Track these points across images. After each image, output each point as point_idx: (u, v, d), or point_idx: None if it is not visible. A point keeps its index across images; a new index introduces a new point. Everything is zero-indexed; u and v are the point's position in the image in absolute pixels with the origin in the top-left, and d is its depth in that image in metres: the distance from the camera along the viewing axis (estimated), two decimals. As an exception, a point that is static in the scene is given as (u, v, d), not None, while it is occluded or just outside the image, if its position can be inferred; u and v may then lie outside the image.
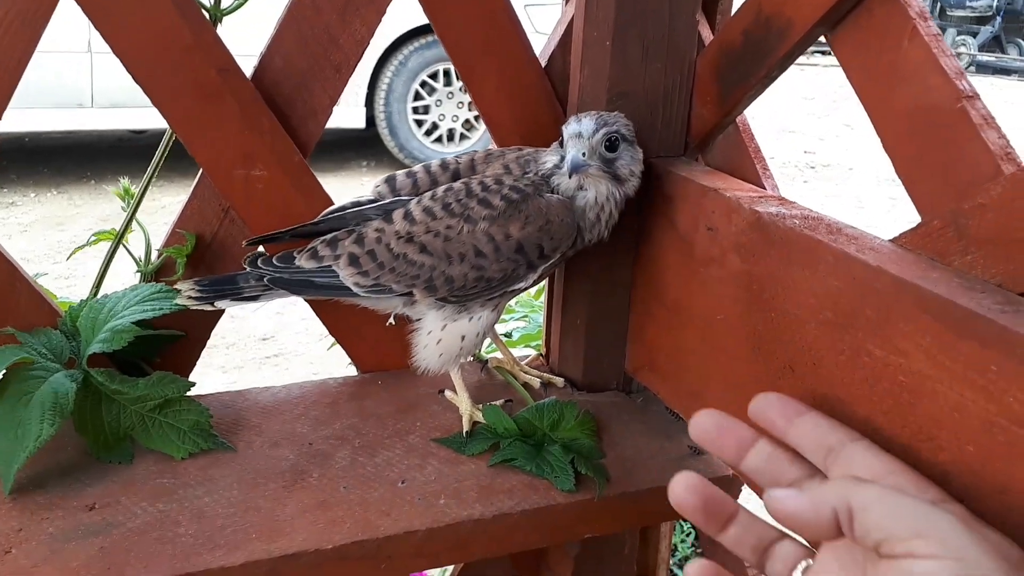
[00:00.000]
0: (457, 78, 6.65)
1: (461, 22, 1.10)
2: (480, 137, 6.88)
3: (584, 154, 0.99)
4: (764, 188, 1.07)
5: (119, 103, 5.63)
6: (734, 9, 1.21)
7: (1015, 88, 12.59)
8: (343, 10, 1.05)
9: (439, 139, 6.81)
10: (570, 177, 1.00)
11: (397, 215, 1.03)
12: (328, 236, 1.06)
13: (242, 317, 4.31)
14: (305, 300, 1.14)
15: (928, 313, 0.72)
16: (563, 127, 1.02)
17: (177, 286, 1.06)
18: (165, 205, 5.48)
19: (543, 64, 1.18)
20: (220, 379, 3.75)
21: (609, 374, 1.25)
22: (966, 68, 13.74)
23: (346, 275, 1.04)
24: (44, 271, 4.27)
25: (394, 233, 1.02)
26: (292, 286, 1.05)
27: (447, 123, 6.79)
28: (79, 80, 5.63)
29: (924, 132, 0.83)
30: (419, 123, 6.71)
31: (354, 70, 1.11)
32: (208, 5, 1.02)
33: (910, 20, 0.83)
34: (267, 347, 4.20)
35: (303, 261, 1.05)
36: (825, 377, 0.85)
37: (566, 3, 1.22)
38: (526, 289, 1.07)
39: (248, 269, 1.06)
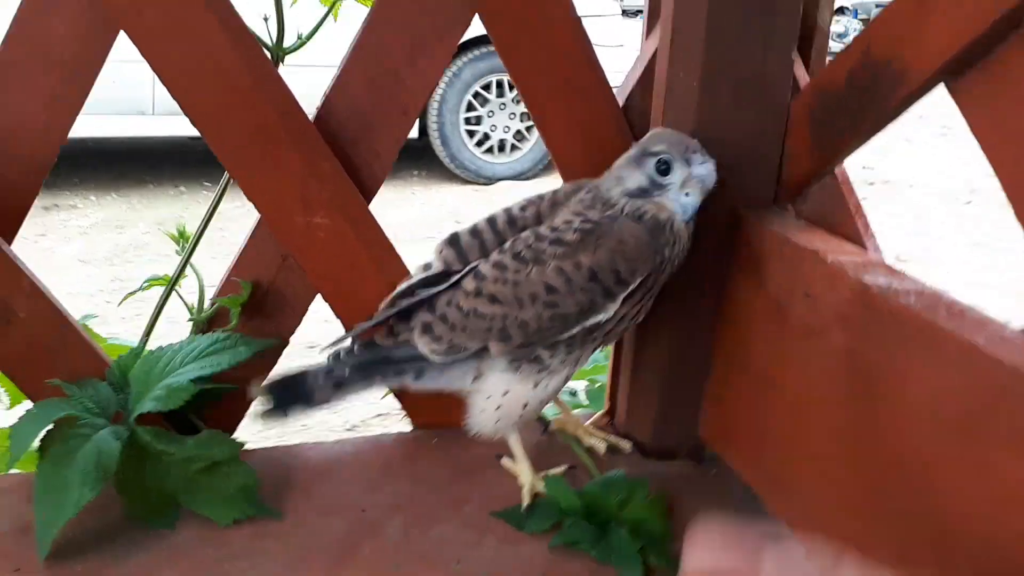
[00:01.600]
0: (511, 89, 6.60)
1: (535, 63, 1.02)
2: (531, 147, 6.81)
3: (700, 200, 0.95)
4: (866, 248, 0.97)
5: (177, 111, 5.67)
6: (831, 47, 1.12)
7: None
8: (411, 50, 0.99)
9: (490, 150, 6.76)
10: (687, 222, 0.96)
11: (467, 280, 0.97)
12: (403, 313, 1.00)
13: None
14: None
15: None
16: (674, 156, 0.95)
17: (252, 398, 1.02)
18: (221, 211, 5.51)
19: (621, 103, 1.10)
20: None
21: (680, 440, 1.16)
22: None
23: (422, 344, 0.98)
24: (98, 280, 4.32)
25: (463, 293, 0.96)
26: (369, 370, 1.01)
27: (499, 134, 6.74)
28: (141, 88, 5.73)
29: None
30: (471, 134, 6.67)
31: (421, 111, 1.04)
32: (269, 44, 0.96)
33: (1055, 76, 0.72)
34: (315, 356, 4.19)
35: (381, 339, 1.01)
36: (939, 487, 0.74)
37: (646, 37, 1.13)
38: (607, 331, 0.98)
39: (331, 362, 1.01)
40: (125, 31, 0.90)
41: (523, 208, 1.02)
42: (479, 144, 6.77)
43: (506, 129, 6.80)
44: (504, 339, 0.96)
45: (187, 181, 6.31)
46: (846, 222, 1.01)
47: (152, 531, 0.95)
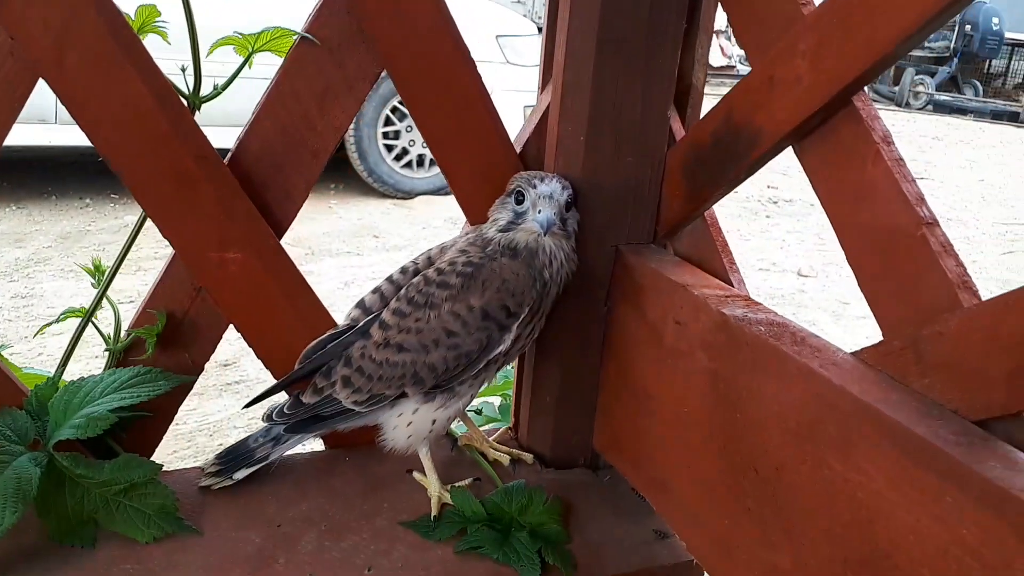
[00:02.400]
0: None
1: (437, 110, 1.12)
2: (450, 163, 6.89)
3: (554, 213, 1.03)
4: (731, 283, 1.10)
5: (84, 120, 5.53)
6: (704, 104, 1.25)
7: (970, 128, 13.00)
8: (322, 98, 1.07)
9: (408, 164, 6.81)
10: (544, 235, 1.03)
11: (374, 328, 1.07)
12: (323, 368, 1.10)
13: (204, 344, 4.23)
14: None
15: (888, 439, 0.75)
16: (523, 185, 1.05)
17: (201, 468, 1.16)
18: (128, 223, 5.38)
19: (518, 150, 1.20)
20: (182, 405, 3.68)
21: (577, 451, 1.27)
22: (923, 107, 14.29)
23: (343, 397, 1.07)
24: (8, 342, 4.16)
25: (374, 344, 1.06)
26: (303, 427, 1.11)
27: (417, 148, 6.79)
28: (43, 96, 5.53)
29: (886, 252, 0.86)
30: (389, 148, 6.70)
31: (331, 155, 1.12)
32: (187, 93, 1.03)
33: (873, 144, 0.86)
34: (229, 373, 4.14)
35: (307, 398, 1.10)
36: (787, 483, 0.88)
37: (541, 92, 1.24)
38: (508, 353, 1.08)
39: (265, 423, 1.13)
40: (44, 79, 0.95)
41: (415, 260, 1.13)
42: (397, 159, 6.80)
43: (424, 144, 6.84)
44: (417, 383, 1.05)
45: (92, 193, 6.09)
46: (714, 259, 1.14)
47: (74, 550, 0.99)
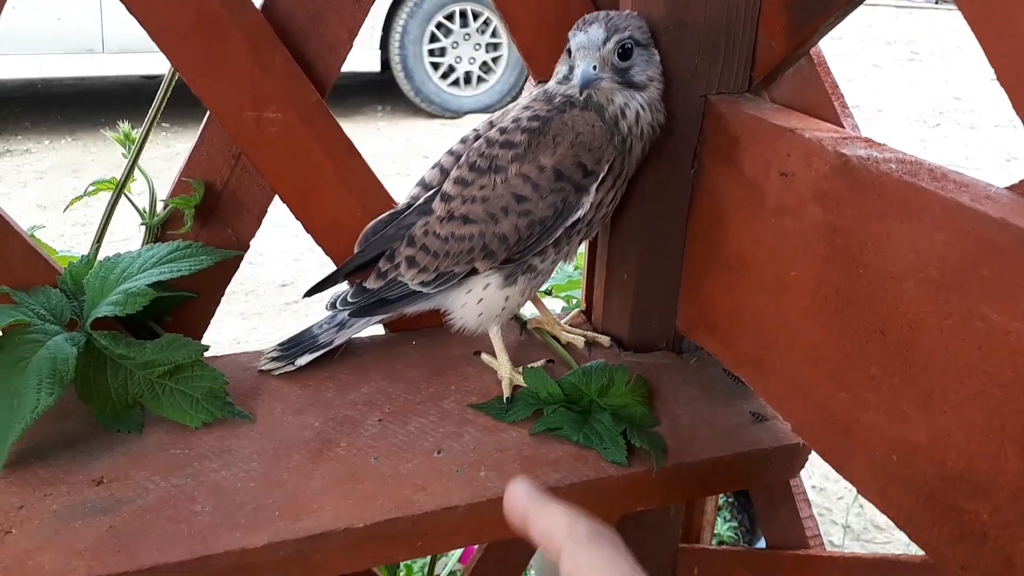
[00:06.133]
0: (475, 19, 6.42)
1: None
2: (498, 79, 6.66)
3: (595, 67, 0.89)
4: (844, 128, 0.95)
5: (129, 48, 5.49)
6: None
7: None
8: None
9: (456, 82, 6.61)
10: (581, 94, 0.90)
11: (435, 203, 0.97)
12: (386, 252, 1.01)
13: (260, 263, 4.23)
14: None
15: (1066, 273, 0.60)
16: (569, 35, 0.91)
17: (262, 353, 1.08)
18: (179, 152, 5.36)
19: (590, -11, 1.05)
20: (240, 326, 3.69)
21: (659, 333, 1.15)
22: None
23: (409, 279, 0.98)
24: (57, 226, 4.19)
25: (436, 219, 0.96)
26: (368, 311, 1.03)
27: (464, 65, 6.58)
28: (88, 25, 5.48)
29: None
30: (435, 66, 6.50)
31: (383, 44, 0.98)
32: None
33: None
34: (286, 293, 4.14)
35: (371, 283, 1.01)
36: (925, 343, 0.74)
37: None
38: (591, 222, 0.96)
39: (329, 312, 1.05)
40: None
41: (476, 128, 1.01)
42: (444, 76, 6.61)
43: (471, 60, 6.63)
44: (488, 256, 0.95)
45: (143, 122, 6.11)
46: (823, 104, 0.98)
47: (119, 436, 0.92)
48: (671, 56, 0.98)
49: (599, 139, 0.91)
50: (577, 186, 0.91)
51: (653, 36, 0.96)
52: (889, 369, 0.78)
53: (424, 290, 0.99)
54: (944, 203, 0.71)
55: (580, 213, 0.93)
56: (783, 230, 0.90)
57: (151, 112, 0.98)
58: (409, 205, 1.01)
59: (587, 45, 0.89)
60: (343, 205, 1.03)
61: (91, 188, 1.01)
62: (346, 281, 1.07)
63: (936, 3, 12.42)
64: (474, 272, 0.97)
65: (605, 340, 1.14)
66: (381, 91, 6.92)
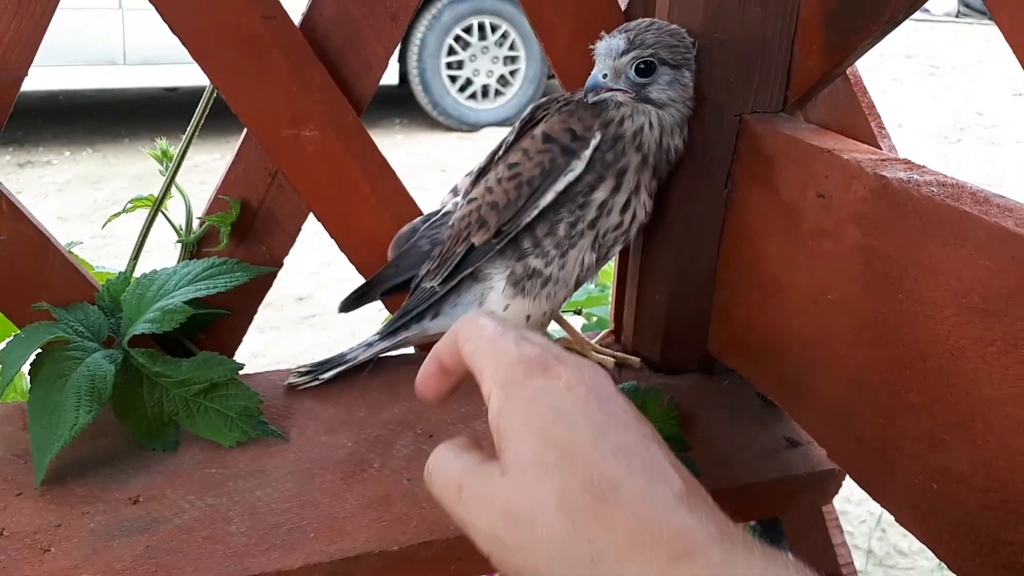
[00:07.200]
0: (493, 32, 6.45)
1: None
2: (516, 92, 6.69)
3: (606, 75, 0.90)
4: (881, 149, 0.94)
5: (151, 60, 5.55)
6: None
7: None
8: (401, -51, 0.93)
9: (473, 96, 6.64)
10: (586, 97, 0.91)
11: (462, 206, 1.00)
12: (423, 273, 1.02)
13: (278, 277, 4.25)
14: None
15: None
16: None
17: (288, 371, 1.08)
18: (198, 163, 5.41)
19: (623, 7, 1.05)
20: (257, 339, 3.71)
21: (690, 355, 1.14)
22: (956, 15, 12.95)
23: (426, 282, 1.00)
24: (79, 238, 4.25)
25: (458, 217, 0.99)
26: (393, 323, 1.04)
27: (481, 79, 6.61)
28: (111, 37, 5.55)
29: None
30: (453, 79, 6.54)
31: (411, 18, 0.99)
32: (252, -60, 0.91)
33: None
34: (304, 307, 4.15)
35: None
36: (967, 371, 0.73)
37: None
38: (594, 221, 0.95)
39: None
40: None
41: (507, 137, 1.01)
42: (462, 90, 6.64)
43: (489, 73, 6.66)
44: (482, 226, 0.95)
45: (164, 134, 6.13)
46: (860, 125, 0.98)
47: (154, 454, 0.93)
48: (706, 74, 0.98)
49: (589, 112, 0.92)
50: (564, 148, 0.92)
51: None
52: (929, 396, 0.77)
53: (433, 284, 0.98)
54: (989, 228, 0.70)
55: (570, 176, 0.91)
56: (820, 253, 0.89)
57: (189, 130, 0.99)
58: (437, 211, 1.03)
59: (604, 52, 0.91)
60: (379, 223, 1.04)
61: (129, 205, 1.02)
62: (380, 299, 1.07)
63: (957, 16, 12.37)
64: (471, 249, 0.96)
65: (636, 361, 1.13)
66: (399, 104, 6.96)
